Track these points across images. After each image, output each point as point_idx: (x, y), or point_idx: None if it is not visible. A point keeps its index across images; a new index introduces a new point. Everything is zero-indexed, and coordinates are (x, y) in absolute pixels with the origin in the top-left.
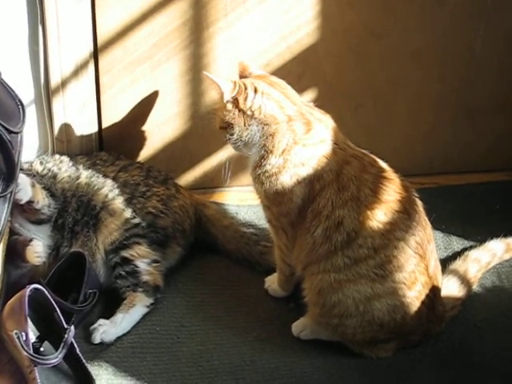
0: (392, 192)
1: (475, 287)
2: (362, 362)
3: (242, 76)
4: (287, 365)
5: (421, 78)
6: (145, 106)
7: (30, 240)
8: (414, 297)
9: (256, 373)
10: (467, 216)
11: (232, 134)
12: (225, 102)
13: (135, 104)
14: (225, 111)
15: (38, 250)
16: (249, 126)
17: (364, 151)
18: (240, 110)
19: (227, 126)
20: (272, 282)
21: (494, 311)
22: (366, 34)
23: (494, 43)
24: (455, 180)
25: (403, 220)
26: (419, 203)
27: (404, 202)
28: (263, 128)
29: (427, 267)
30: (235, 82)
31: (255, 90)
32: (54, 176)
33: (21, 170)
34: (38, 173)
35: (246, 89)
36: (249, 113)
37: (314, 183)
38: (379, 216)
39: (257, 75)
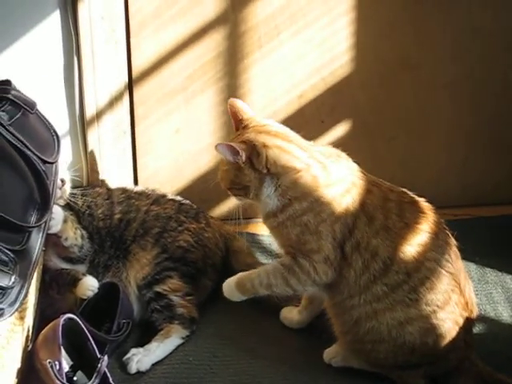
0: (416, 214)
1: (509, 318)
2: None
3: (235, 118)
4: None
5: (454, 109)
6: (179, 137)
7: (84, 274)
8: (447, 318)
9: None
10: (501, 248)
11: (247, 195)
12: (242, 164)
13: (170, 135)
14: (240, 174)
15: (93, 283)
16: (264, 182)
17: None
18: (255, 170)
19: (242, 188)
20: (289, 313)
21: None
22: (399, 66)
23: None
24: (489, 212)
25: (431, 240)
26: (441, 220)
27: (429, 222)
28: (279, 179)
29: (459, 285)
30: (245, 142)
31: (264, 146)
32: (91, 214)
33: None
34: (79, 208)
35: (255, 147)
36: (264, 171)
37: (345, 219)
38: (409, 240)
39: (256, 126)
